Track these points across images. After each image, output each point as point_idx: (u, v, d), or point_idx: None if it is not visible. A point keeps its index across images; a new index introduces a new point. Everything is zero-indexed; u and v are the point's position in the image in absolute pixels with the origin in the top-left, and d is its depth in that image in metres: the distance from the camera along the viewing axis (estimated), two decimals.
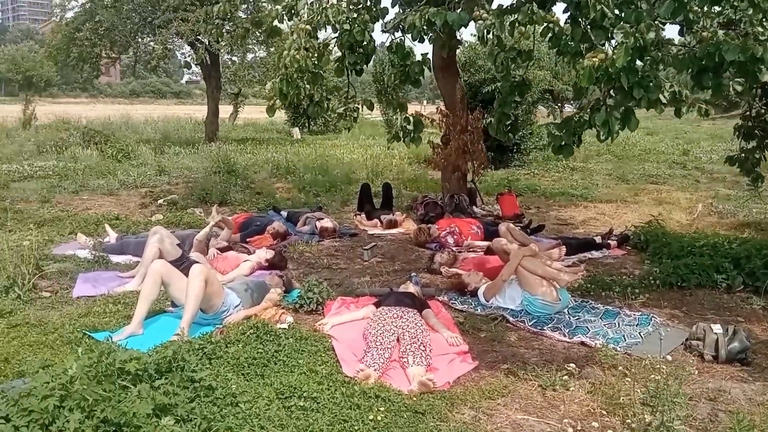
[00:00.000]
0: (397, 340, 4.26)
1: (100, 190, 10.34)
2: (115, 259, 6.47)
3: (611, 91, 3.46)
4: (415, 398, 3.49)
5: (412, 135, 4.85)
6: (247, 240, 7.19)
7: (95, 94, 72.29)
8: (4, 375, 3.74)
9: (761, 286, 5.41)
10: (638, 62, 3.20)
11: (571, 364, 3.89)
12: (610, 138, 3.67)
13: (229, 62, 20.02)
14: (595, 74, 3.17)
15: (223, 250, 6.54)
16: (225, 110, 28.61)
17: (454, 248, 6.95)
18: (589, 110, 3.55)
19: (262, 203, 9.57)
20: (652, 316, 4.87)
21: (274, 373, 3.72)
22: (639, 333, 4.58)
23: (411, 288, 5.15)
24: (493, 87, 13.43)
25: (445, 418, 3.32)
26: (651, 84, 3.20)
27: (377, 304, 4.85)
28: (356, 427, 3.13)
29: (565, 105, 21.50)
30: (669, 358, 4.07)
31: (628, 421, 3.15)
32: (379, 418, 3.20)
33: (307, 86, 4.53)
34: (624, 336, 4.53)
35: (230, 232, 7.04)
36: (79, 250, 6.75)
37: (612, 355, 4.16)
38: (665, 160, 17.25)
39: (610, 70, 3.09)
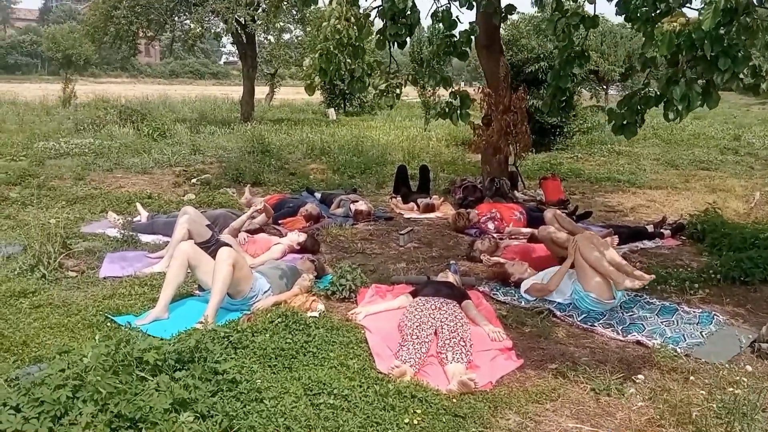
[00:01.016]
0: (435, 333, 3.95)
1: (135, 168, 10.23)
2: (145, 238, 6.30)
3: (690, 62, 3.05)
4: (454, 399, 3.19)
5: (459, 111, 4.49)
6: (279, 222, 6.94)
7: (135, 74, 73.14)
8: (20, 360, 3.55)
9: None
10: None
11: (640, 376, 3.50)
12: (680, 117, 3.26)
13: (266, 42, 19.77)
14: (676, 41, 2.76)
15: (253, 232, 6.30)
16: (262, 91, 28.55)
17: (495, 235, 6.59)
18: (665, 84, 3.13)
19: (296, 184, 9.33)
20: (714, 314, 4.46)
21: (302, 366, 3.46)
22: (700, 332, 4.18)
23: (450, 277, 4.83)
24: (537, 66, 12.94)
25: (488, 423, 3.01)
26: (739, 54, 2.78)
27: (414, 294, 4.55)
28: (390, 431, 2.84)
29: (610, 87, 20.71)
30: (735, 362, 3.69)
31: None
32: (415, 421, 2.91)
33: (348, 60, 4.20)
34: (684, 335, 4.14)
35: (266, 219, 6.80)
36: (109, 228, 6.61)
37: (671, 357, 3.79)
38: (715, 146, 16.47)
39: (693, 35, 2.69)
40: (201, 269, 4.44)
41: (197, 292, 4.73)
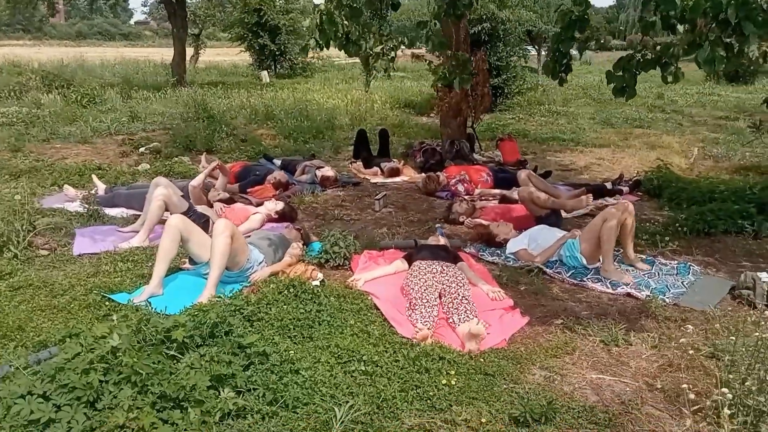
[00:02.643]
0: (439, 296, 4.03)
1: (73, 137, 9.65)
2: (108, 212, 6.02)
3: (711, 26, 3.16)
4: (481, 359, 3.28)
5: (459, 76, 4.48)
6: (247, 190, 6.79)
7: (39, 36, 68.28)
8: (23, 345, 3.36)
9: None
10: None
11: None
12: (676, 80, 3.41)
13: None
14: (704, 4, 2.86)
15: (226, 202, 6.14)
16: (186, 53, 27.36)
17: (465, 197, 6.70)
18: (686, 46, 3.25)
19: (251, 151, 9.10)
20: (690, 265, 4.76)
21: (323, 336, 3.46)
22: (682, 282, 4.46)
23: (441, 240, 4.90)
24: (480, 27, 13.00)
25: (517, 379, 3.12)
26: (760, 18, 2.92)
27: (408, 258, 4.60)
28: (431, 393, 2.91)
29: (542, 48, 21.08)
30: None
31: (719, 374, 2.97)
32: (453, 381, 2.98)
33: (345, 23, 4.10)
34: (667, 286, 4.39)
35: (226, 180, 6.60)
36: (67, 203, 6.28)
37: (662, 307, 4.03)
38: (642, 104, 17.22)
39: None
40: (193, 242, 4.30)
41: (187, 266, 4.59)
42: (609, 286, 4.42)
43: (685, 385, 2.77)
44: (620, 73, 3.59)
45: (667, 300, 4.15)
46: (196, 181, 5.95)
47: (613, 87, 3.76)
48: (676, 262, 4.85)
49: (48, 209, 5.93)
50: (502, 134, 9.57)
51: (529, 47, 19.94)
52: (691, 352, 3.39)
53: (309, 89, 17.38)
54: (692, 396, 2.60)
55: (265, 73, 22.29)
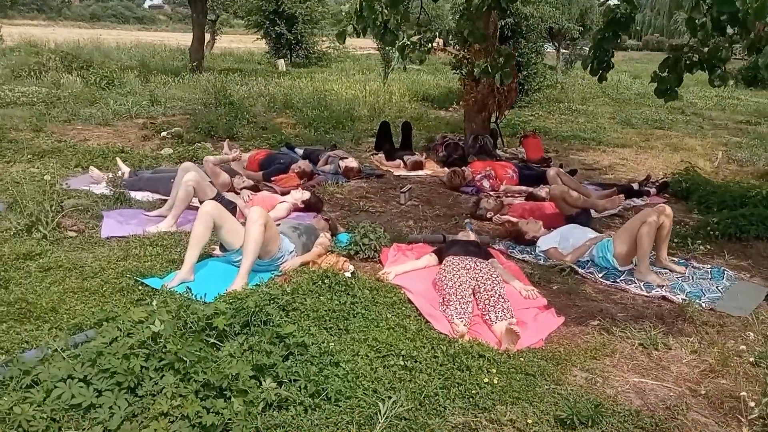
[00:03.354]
0: (473, 293, 3.98)
1: (94, 119, 9.65)
2: (133, 195, 5.99)
3: None
4: (522, 359, 3.24)
5: (502, 70, 4.42)
6: (272, 179, 6.75)
7: (53, 16, 68.39)
8: (57, 328, 3.34)
9: None
10: None
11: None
12: (725, 84, 3.34)
13: None
14: None
15: (251, 189, 6.10)
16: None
17: (491, 193, 6.65)
18: (746, 50, 3.18)
19: (273, 139, 9.06)
20: (724, 269, 4.69)
21: (359, 329, 3.41)
22: (717, 287, 4.40)
23: (472, 236, 4.85)
24: (504, 23, 12.87)
25: (558, 380, 3.08)
26: None
27: (437, 253, 4.56)
28: (473, 391, 2.87)
29: (567, 45, 20.91)
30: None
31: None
32: (495, 380, 2.94)
33: (386, 11, 4.04)
34: (702, 290, 4.33)
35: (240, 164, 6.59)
36: (92, 184, 6.26)
37: (699, 311, 3.98)
38: (661, 105, 17.04)
39: None
40: (225, 229, 4.26)
41: (217, 252, 4.56)
42: (643, 288, 4.37)
43: (744, 393, 2.72)
44: (665, 74, 3.51)
45: (703, 305, 4.09)
46: (215, 159, 5.95)
47: (656, 88, 3.68)
48: (709, 266, 4.79)
49: (74, 191, 5.91)
50: (525, 131, 9.48)
51: (548, 44, 19.78)
52: (737, 359, 3.34)
53: (326, 79, 17.29)
54: (752, 404, 2.55)
55: (281, 61, 22.23)
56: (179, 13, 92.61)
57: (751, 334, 3.65)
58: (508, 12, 5.40)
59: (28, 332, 3.28)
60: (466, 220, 5.52)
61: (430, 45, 4.54)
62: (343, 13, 4.01)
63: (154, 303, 3.07)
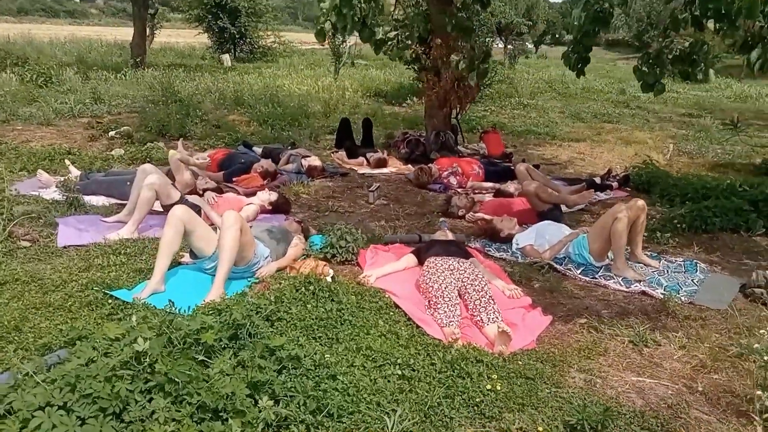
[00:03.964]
0: (459, 294, 3.90)
1: (34, 119, 9.13)
2: (87, 200, 5.65)
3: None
4: (519, 362, 3.17)
5: (477, 67, 4.33)
6: (233, 179, 6.51)
7: None
8: (23, 348, 3.08)
9: None
10: None
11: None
12: (706, 80, 3.36)
13: None
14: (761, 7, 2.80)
15: (214, 191, 5.85)
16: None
17: (458, 189, 6.60)
18: (739, 47, 3.20)
19: (229, 138, 8.76)
20: (696, 262, 4.77)
21: (349, 337, 3.28)
22: (692, 280, 4.46)
23: (450, 235, 4.77)
24: None
25: (558, 383, 3.02)
26: None
27: (416, 253, 4.46)
28: (477, 399, 2.78)
29: (513, 40, 21.13)
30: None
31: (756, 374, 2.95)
32: (498, 387, 2.86)
33: (363, 6, 3.89)
34: (679, 284, 4.38)
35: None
36: (41, 189, 5.89)
37: (679, 305, 4.02)
38: (606, 99, 17.53)
39: None
40: (196, 235, 4.04)
41: (186, 259, 4.33)
42: (622, 283, 4.38)
43: (759, 392, 2.71)
44: (647, 70, 3.51)
45: (683, 298, 4.13)
46: (180, 155, 5.72)
47: (642, 83, 3.69)
48: (682, 259, 4.86)
49: (22, 196, 5.53)
50: (484, 127, 9.50)
51: (495, 39, 19.97)
52: (724, 353, 3.38)
53: (275, 74, 16.96)
54: (767, 403, 2.54)
55: (227, 56, 21.73)
56: (112, 6, 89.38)
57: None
58: (488, 6, 5.36)
59: None
60: (441, 219, 5.44)
61: (408, 42, 4.42)
62: (323, 10, 3.84)
63: (134, 319, 2.84)
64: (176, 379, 2.46)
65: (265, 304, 3.38)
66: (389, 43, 4.22)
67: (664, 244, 5.21)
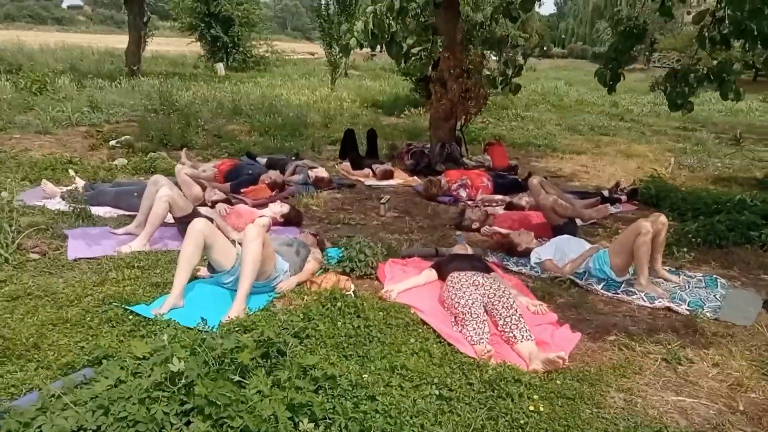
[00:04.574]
0: (485, 311, 3.82)
1: (31, 127, 8.98)
2: (94, 211, 5.53)
3: None
4: (558, 382, 3.10)
5: (509, 82, 4.30)
6: (241, 190, 6.41)
7: None
8: (44, 366, 2.96)
9: None
10: None
11: None
12: (738, 98, 3.34)
13: None
14: None
15: (223, 203, 5.74)
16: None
17: (468, 202, 6.55)
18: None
19: (231, 148, 8.66)
20: (716, 277, 4.74)
21: (380, 356, 3.19)
22: (714, 296, 4.42)
23: (469, 249, 4.71)
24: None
25: (599, 403, 2.96)
26: None
27: (436, 267, 4.39)
28: (521, 421, 2.70)
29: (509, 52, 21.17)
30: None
31: None
32: (541, 408, 2.79)
33: (392, 24, 3.85)
34: (701, 299, 4.35)
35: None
36: (45, 200, 5.76)
37: (705, 321, 3.98)
38: (600, 112, 17.63)
39: None
40: (215, 249, 3.94)
41: (203, 273, 4.23)
42: (645, 299, 4.34)
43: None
44: (677, 88, 3.49)
45: (708, 314, 4.09)
46: (189, 169, 5.63)
47: (670, 102, 3.66)
48: (701, 274, 4.83)
49: (28, 207, 5.40)
50: (489, 139, 9.47)
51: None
52: (758, 370, 3.33)
53: (272, 84, 16.87)
54: None
55: (221, 65, 21.62)
56: (100, 13, 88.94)
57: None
58: (518, 20, 5.32)
59: (12, 374, 2.90)
60: (457, 233, 5.38)
61: (431, 55, 4.37)
62: (356, 32, 3.79)
63: (165, 337, 2.74)
64: (217, 402, 2.36)
65: (293, 321, 3.29)
66: (413, 57, 4.16)
67: (681, 259, 5.17)
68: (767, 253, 5.41)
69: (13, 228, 4.40)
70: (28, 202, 5.61)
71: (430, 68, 8.78)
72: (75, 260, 4.44)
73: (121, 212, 5.63)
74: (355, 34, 3.76)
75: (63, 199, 5.65)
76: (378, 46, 4.07)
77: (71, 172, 6.22)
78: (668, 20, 4.11)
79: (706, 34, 3.47)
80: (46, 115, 9.53)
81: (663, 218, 4.57)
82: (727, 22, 3.26)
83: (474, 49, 4.90)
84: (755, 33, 3.01)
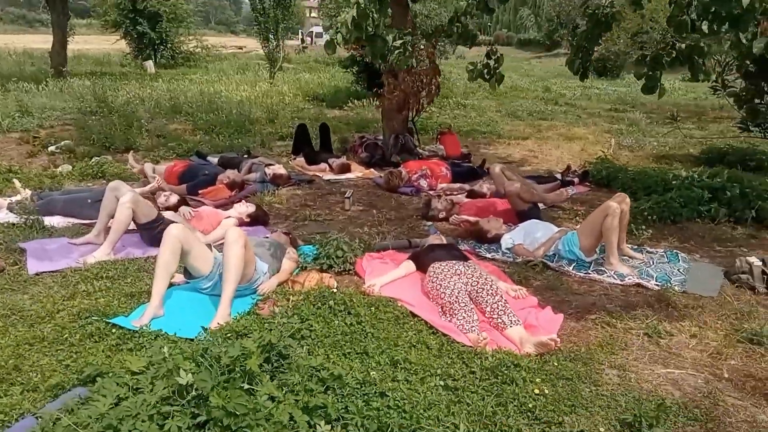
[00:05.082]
0: (470, 298, 3.87)
1: None
2: (46, 221, 5.26)
3: None
4: (555, 363, 3.18)
5: (494, 73, 4.34)
6: (199, 192, 6.23)
7: None
8: (31, 390, 2.81)
9: (741, 216, 5.75)
10: None
11: None
12: (707, 78, 3.50)
13: None
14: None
15: (178, 206, 5.56)
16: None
17: (430, 192, 6.60)
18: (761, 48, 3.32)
19: (179, 149, 8.39)
20: (677, 252, 4.96)
21: (379, 352, 3.19)
22: (678, 270, 4.63)
23: (444, 239, 4.75)
24: None
25: (596, 381, 3.05)
26: None
27: (414, 259, 4.41)
28: (530, 405, 2.75)
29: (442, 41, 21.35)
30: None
31: None
32: (546, 390, 2.86)
33: (375, 15, 3.80)
34: (667, 274, 4.54)
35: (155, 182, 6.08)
36: None
37: (674, 295, 4.16)
38: (535, 97, 18.10)
39: None
40: (193, 254, 3.82)
41: (178, 279, 4.10)
42: (616, 277, 4.49)
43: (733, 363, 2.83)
44: (649, 72, 3.61)
45: (676, 288, 4.28)
46: (140, 190, 5.43)
47: (643, 85, 3.79)
48: (662, 250, 5.05)
49: None
50: (433, 128, 9.55)
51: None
52: (732, 338, 3.52)
53: (208, 80, 16.44)
54: None
55: (150, 62, 20.87)
56: (10, 13, 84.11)
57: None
58: (494, 11, 5.36)
59: None
60: (429, 224, 5.41)
61: (411, 49, 4.36)
62: (339, 24, 3.73)
63: (165, 349, 2.64)
64: (236, 412, 2.30)
65: (290, 323, 3.25)
66: (396, 51, 4.14)
67: (641, 237, 5.38)
68: (718, 227, 5.71)
69: None
70: None
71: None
72: (37, 274, 4.21)
73: (75, 221, 5.37)
74: (343, 28, 3.71)
75: (11, 211, 5.35)
76: (358, 41, 4.01)
77: (15, 182, 5.88)
78: (638, 9, 4.26)
79: (685, 18, 3.60)
80: None
81: (627, 199, 4.74)
82: (693, 5, 3.42)
83: (426, 40, 4.90)
84: (723, 15, 3.17)
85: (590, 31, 4.36)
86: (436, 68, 7.99)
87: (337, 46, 4.54)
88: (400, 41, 4.21)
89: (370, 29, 3.93)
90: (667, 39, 3.89)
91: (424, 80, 7.85)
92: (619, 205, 4.59)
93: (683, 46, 3.74)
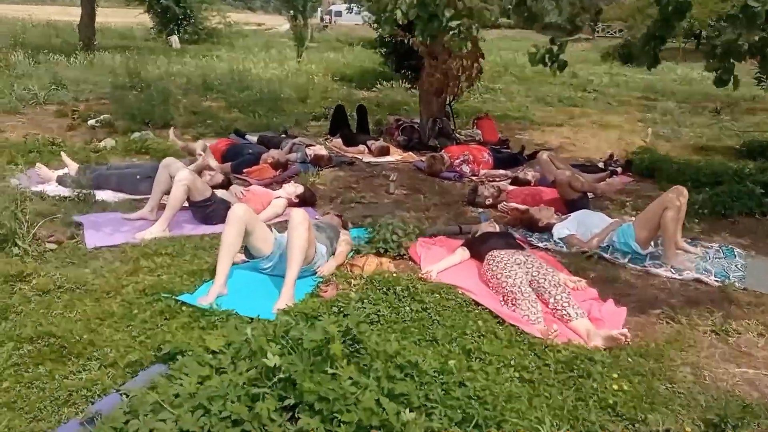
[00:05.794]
0: (531, 289, 3.83)
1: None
2: (98, 195, 5.26)
3: None
4: (630, 359, 3.14)
5: (558, 59, 4.27)
6: (243, 171, 6.21)
7: None
8: (109, 365, 2.82)
9: None
10: None
11: None
12: None
13: None
14: None
15: (222, 186, 5.51)
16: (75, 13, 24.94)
17: (473, 177, 6.54)
18: None
19: (217, 126, 8.37)
20: (732, 247, 4.89)
21: (448, 340, 3.17)
22: (735, 266, 4.56)
23: (498, 227, 4.70)
24: None
25: (671, 378, 3.01)
26: None
27: (468, 246, 4.38)
28: (610, 401, 2.72)
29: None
30: None
31: None
32: (625, 387, 2.83)
33: None
34: (725, 270, 4.48)
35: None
36: (40, 185, 5.44)
37: (736, 292, 4.10)
38: (563, 83, 17.84)
39: None
40: (255, 234, 3.83)
41: (239, 258, 4.08)
42: (673, 272, 4.44)
43: None
44: (724, 64, 3.53)
45: (736, 284, 4.22)
46: (194, 167, 5.40)
47: (716, 78, 3.71)
48: (717, 244, 4.98)
49: (30, 193, 5.09)
50: (468, 113, 9.46)
51: None
52: None
53: (234, 58, 16.36)
54: None
55: (175, 37, 20.81)
56: None
57: None
58: None
59: (77, 375, 2.75)
60: (480, 211, 5.36)
61: (470, 32, 4.28)
62: (404, 2, 3.65)
63: (249, 330, 2.63)
64: (328, 397, 2.30)
65: (365, 307, 3.24)
66: (451, 33, 4.07)
67: (693, 231, 5.31)
68: None
69: (28, 218, 4.14)
70: (27, 187, 5.28)
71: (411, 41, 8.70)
72: (95, 248, 4.23)
73: (125, 196, 5.38)
74: (403, 4, 3.64)
75: (60, 184, 5.36)
76: (417, 20, 3.93)
77: (64, 156, 5.87)
78: None
79: (753, 8, 3.48)
80: (12, 94, 8.98)
81: (685, 191, 4.66)
82: None
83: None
84: None
85: (666, 19, 4.24)
86: (479, 51, 7.86)
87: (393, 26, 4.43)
88: (457, 22, 4.12)
89: (432, 8, 3.85)
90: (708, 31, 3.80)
91: (465, 63, 7.74)
92: (677, 196, 4.53)
93: (756, 38, 3.64)
